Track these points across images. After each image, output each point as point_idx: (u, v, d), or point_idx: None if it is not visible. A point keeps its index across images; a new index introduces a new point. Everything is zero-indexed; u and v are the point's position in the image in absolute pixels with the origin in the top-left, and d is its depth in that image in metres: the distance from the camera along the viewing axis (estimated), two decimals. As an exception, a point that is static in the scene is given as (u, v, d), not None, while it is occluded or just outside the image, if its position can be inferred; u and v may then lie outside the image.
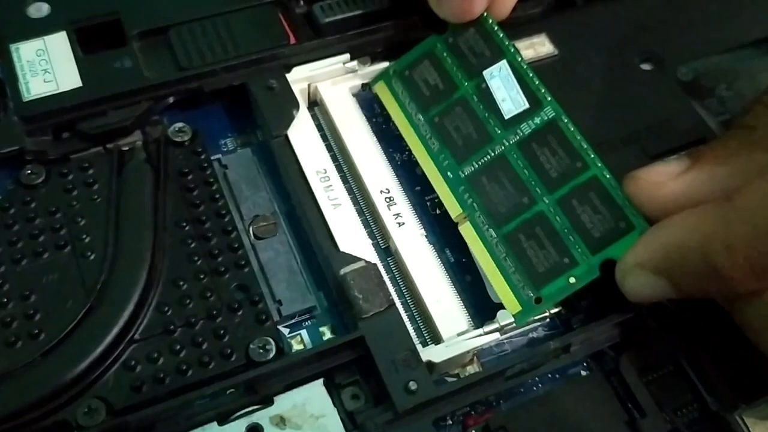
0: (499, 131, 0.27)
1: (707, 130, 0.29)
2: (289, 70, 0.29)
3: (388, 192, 0.27)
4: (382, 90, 0.29)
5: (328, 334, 0.25)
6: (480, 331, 0.24)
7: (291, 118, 0.27)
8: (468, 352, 0.24)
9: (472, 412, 0.24)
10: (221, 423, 0.22)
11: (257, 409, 0.22)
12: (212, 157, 0.28)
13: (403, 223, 0.26)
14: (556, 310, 0.25)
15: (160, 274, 0.24)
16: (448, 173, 0.27)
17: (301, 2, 0.30)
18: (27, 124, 0.26)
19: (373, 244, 0.26)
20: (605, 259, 0.24)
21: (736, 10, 0.32)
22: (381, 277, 0.24)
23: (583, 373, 0.25)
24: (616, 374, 0.24)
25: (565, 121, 0.26)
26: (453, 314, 0.25)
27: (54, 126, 0.26)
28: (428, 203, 0.28)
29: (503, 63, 0.27)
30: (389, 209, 0.27)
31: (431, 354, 0.23)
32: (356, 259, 0.24)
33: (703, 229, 0.21)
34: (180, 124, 0.27)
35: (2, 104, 0.26)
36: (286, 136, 0.27)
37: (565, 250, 0.24)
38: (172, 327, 0.23)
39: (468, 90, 0.28)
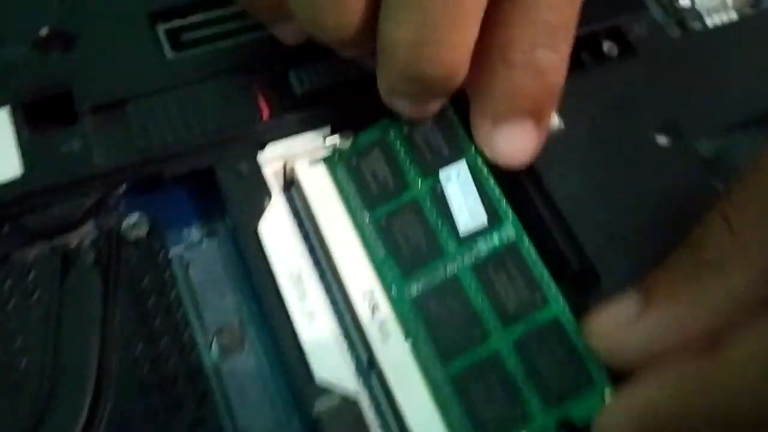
0: (453, 247, 0.23)
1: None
2: (262, 148, 0.25)
3: (372, 295, 0.24)
4: (322, 174, 0.26)
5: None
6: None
7: (262, 210, 0.24)
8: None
9: None
10: None
11: None
12: (173, 251, 0.24)
13: (389, 334, 0.23)
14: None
15: (104, 413, 0.21)
16: (393, 287, 0.23)
17: (276, 69, 0.27)
18: (-42, 222, 0.23)
19: (355, 363, 0.23)
20: (562, 417, 0.21)
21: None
22: (360, 417, 0.21)
23: None
24: None
25: (527, 244, 0.23)
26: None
27: (-10, 222, 0.23)
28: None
29: (462, 164, 0.24)
30: (373, 317, 0.23)
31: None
32: (332, 391, 0.21)
33: (683, 390, 0.18)
34: (135, 217, 0.24)
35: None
36: (256, 232, 0.24)
37: (517, 401, 0.21)
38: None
39: (421, 191, 0.24)
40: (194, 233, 0.25)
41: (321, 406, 0.21)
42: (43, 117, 0.25)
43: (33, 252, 0.23)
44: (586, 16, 0.24)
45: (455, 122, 0.25)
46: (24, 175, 0.23)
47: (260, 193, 0.24)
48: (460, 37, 0.22)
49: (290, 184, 0.26)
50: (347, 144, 0.26)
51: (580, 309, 0.22)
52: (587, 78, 0.27)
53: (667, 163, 0.26)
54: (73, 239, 0.23)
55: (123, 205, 0.24)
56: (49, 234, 0.23)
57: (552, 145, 0.25)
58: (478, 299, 0.23)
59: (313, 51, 0.25)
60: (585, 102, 0.27)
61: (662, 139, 0.27)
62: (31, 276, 0.23)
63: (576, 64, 0.28)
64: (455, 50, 0.22)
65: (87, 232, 0.24)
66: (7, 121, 0.24)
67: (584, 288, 0.23)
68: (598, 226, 0.23)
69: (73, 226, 0.23)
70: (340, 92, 0.26)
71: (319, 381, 0.21)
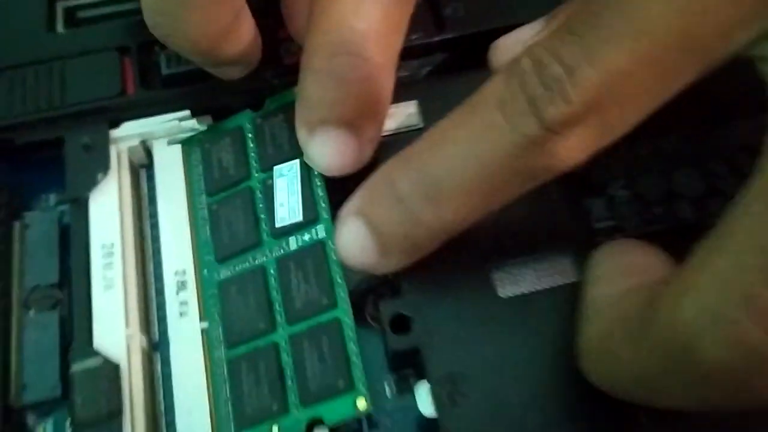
0: (268, 239, 0.24)
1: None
2: (117, 125, 0.26)
3: (184, 275, 0.24)
4: (177, 154, 0.26)
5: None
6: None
7: (94, 182, 0.25)
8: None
9: None
10: None
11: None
12: (27, 215, 0.26)
13: (186, 313, 0.24)
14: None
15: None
16: (205, 271, 0.24)
17: (157, 49, 0.28)
18: None
19: (141, 337, 0.23)
20: (313, 417, 0.20)
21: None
22: (116, 380, 0.21)
23: None
24: None
25: (333, 247, 0.22)
26: (200, 428, 0.22)
27: None
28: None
29: (296, 163, 0.24)
30: (177, 295, 0.24)
31: (145, 479, 0.21)
32: (96, 354, 0.22)
33: None
34: (-16, 178, 0.26)
35: None
36: (86, 201, 0.25)
37: (279, 394, 0.21)
38: None
39: (256, 182, 0.25)
40: (52, 200, 0.27)
41: (78, 366, 0.22)
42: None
43: None
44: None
45: None
46: None
47: (98, 165, 0.25)
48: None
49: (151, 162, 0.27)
50: (204, 129, 0.27)
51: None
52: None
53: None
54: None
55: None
56: None
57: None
58: (274, 292, 0.23)
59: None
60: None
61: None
62: None
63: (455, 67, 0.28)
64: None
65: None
66: None
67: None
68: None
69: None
70: (204, 78, 0.27)
71: (95, 345, 0.22)
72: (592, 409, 0.21)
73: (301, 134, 0.24)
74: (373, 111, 0.23)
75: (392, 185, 0.21)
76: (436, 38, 0.28)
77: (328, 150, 0.23)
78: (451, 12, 0.28)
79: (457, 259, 0.23)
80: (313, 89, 0.23)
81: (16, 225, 0.25)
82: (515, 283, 0.22)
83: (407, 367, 0.22)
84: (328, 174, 0.24)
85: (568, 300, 0.22)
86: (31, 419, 0.23)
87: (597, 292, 0.21)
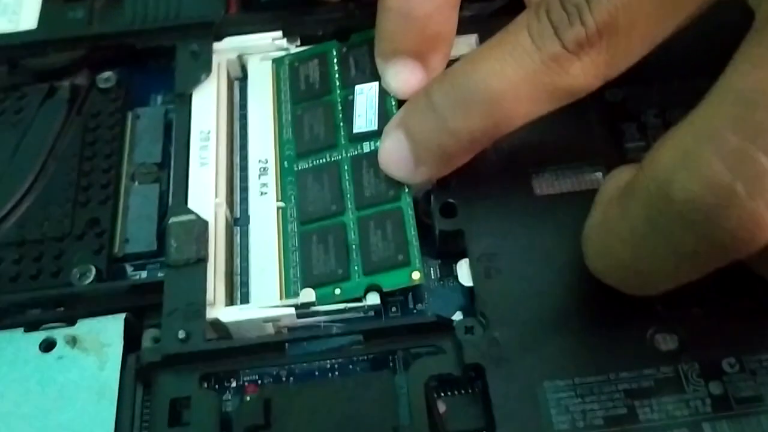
0: (344, 142, 0.27)
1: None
2: (220, 39, 0.31)
3: (266, 163, 0.28)
4: (268, 69, 0.30)
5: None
6: (279, 302, 0.25)
7: (197, 81, 0.29)
8: (266, 321, 0.25)
9: (260, 382, 0.25)
10: (27, 330, 0.25)
11: (58, 326, 0.25)
12: (138, 109, 0.31)
13: (266, 193, 0.28)
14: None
15: (32, 196, 0.27)
16: (285, 163, 0.28)
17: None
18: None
19: (228, 208, 0.27)
20: (371, 284, 0.24)
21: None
22: (205, 233, 0.26)
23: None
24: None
25: None
26: (270, 285, 0.25)
27: (8, 59, 0.31)
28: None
29: (375, 85, 0.28)
30: (259, 178, 0.28)
31: (221, 313, 0.24)
32: (190, 213, 0.26)
33: None
34: (108, 74, 0.30)
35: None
36: (190, 97, 0.29)
37: (344, 263, 0.25)
38: (23, 240, 0.27)
39: (337, 97, 0.28)
40: (159, 101, 0.31)
41: (175, 219, 0.26)
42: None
43: (34, 87, 0.30)
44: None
45: None
46: (36, 29, 0.31)
47: (202, 67, 0.30)
48: None
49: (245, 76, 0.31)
50: (294, 50, 0.31)
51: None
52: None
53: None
54: (63, 83, 0.30)
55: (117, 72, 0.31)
56: (44, 77, 0.30)
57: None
58: (346, 183, 0.27)
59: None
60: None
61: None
62: (23, 100, 0.30)
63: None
64: None
65: (73, 79, 0.30)
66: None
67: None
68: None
69: (64, 72, 0.30)
70: (296, 4, 0.31)
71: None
72: (609, 299, 0.23)
73: (379, 62, 0.28)
74: (437, 44, 0.27)
75: (428, 97, 0.24)
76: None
77: (400, 76, 0.27)
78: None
79: (501, 164, 0.26)
80: (387, 24, 0.27)
81: (129, 115, 0.30)
82: (550, 185, 0.26)
83: (452, 248, 0.26)
84: (400, 97, 0.27)
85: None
86: (129, 270, 0.27)
87: (599, 196, 0.23)
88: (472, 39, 0.29)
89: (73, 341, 0.24)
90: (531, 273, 0.24)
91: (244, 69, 0.31)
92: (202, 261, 0.25)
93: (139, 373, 0.23)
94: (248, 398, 0.23)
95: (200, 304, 0.24)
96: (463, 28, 0.29)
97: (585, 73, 0.22)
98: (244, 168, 0.29)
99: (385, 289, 0.25)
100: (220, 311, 0.24)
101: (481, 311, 0.23)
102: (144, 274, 0.27)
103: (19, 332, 0.25)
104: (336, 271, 0.25)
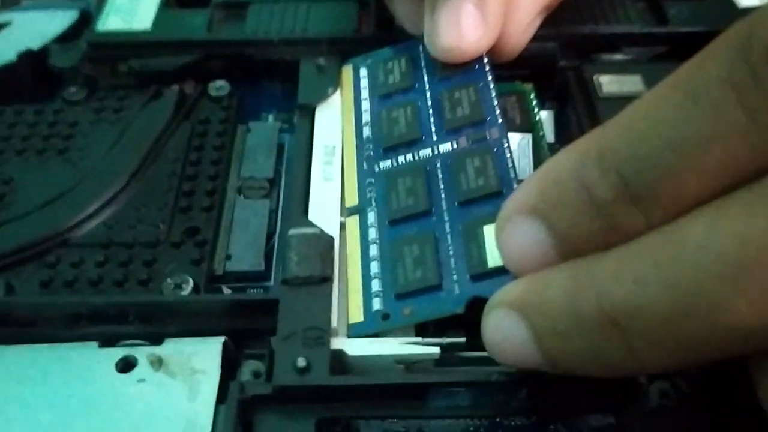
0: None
1: None
2: (346, 58, 0.28)
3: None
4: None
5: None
6: (417, 339, 0.20)
7: (324, 96, 0.26)
8: (398, 361, 0.20)
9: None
10: (102, 345, 0.20)
11: (141, 344, 0.20)
12: (249, 123, 0.27)
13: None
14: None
15: (126, 196, 0.24)
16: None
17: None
18: (91, 50, 0.28)
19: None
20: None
21: None
22: (330, 250, 0.21)
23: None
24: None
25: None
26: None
27: (112, 58, 0.28)
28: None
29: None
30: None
31: (347, 344, 0.20)
32: (313, 226, 0.22)
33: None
34: (221, 82, 0.27)
35: (81, 31, 0.29)
36: (313, 111, 0.26)
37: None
38: (110, 242, 0.22)
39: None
40: (270, 120, 0.28)
41: (296, 230, 0.21)
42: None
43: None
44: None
45: None
46: (150, 31, 0.28)
47: (329, 83, 0.26)
48: None
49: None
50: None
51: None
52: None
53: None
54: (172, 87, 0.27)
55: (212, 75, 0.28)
56: (151, 79, 0.27)
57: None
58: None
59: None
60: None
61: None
62: (125, 101, 0.27)
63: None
64: None
65: (181, 84, 0.27)
66: (159, -5, 0.30)
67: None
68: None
69: (171, 77, 0.27)
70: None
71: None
72: None
73: (428, 15, 0.24)
74: None
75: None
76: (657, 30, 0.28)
77: (453, 21, 0.23)
78: (675, 12, 0.29)
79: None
80: None
81: (239, 128, 0.27)
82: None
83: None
84: (452, 52, 0.24)
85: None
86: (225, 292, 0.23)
87: None
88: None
89: (158, 363, 0.20)
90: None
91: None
92: (328, 280, 0.21)
93: (241, 408, 0.18)
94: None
95: (324, 330, 0.19)
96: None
97: None
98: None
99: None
100: (345, 342, 0.20)
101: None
102: (245, 295, 0.23)
103: (93, 346, 0.20)
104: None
